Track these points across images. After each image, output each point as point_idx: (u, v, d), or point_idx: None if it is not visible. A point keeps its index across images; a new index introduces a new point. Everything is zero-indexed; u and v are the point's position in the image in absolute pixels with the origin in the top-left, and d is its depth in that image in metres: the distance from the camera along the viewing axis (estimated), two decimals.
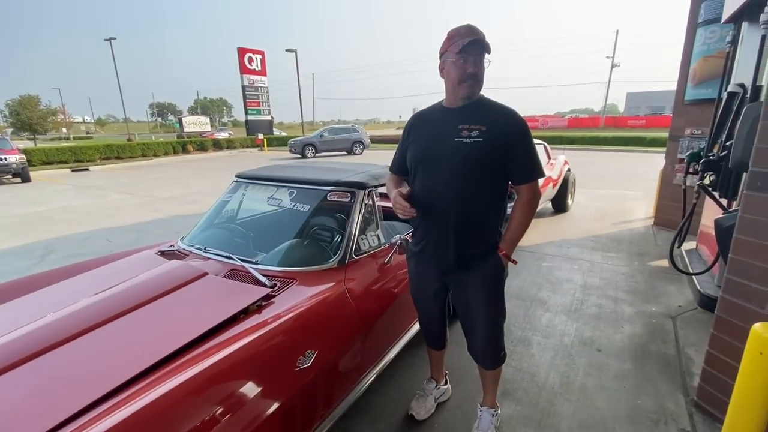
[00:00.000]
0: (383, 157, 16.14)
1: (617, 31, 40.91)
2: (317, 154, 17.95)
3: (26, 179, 11.46)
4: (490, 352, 1.67)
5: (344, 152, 18.60)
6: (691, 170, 3.22)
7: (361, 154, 18.48)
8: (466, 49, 1.36)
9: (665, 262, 3.85)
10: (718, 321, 1.84)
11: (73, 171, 14.24)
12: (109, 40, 31.28)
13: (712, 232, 3.51)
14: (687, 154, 3.37)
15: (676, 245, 2.96)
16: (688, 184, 3.19)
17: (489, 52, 1.40)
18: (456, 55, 1.38)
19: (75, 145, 17.25)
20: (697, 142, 4.45)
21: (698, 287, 3.03)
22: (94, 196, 8.88)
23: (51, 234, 5.61)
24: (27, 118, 26.35)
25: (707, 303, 2.93)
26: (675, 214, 4.86)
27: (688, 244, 3.76)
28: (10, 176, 11.41)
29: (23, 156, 11.60)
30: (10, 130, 33.22)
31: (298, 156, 17.67)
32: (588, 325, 2.75)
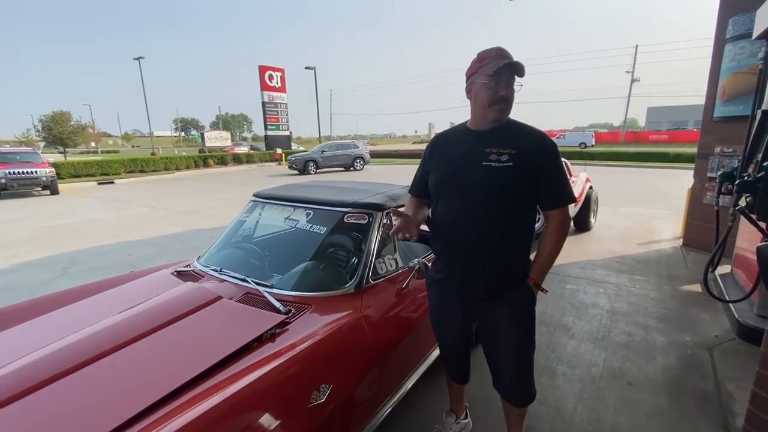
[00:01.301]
0: (382, 172, 16.22)
1: (636, 45, 40.53)
2: (318, 170, 17.59)
3: (55, 191, 11.88)
4: (521, 389, 1.57)
5: (343, 168, 18.40)
6: (723, 190, 3.07)
7: (362, 169, 18.36)
8: (500, 72, 1.31)
9: (698, 287, 3.65)
10: (764, 358, 1.69)
11: (99, 184, 14.73)
12: (138, 59, 32.73)
13: (748, 255, 3.32)
14: (719, 173, 3.23)
15: (710, 269, 2.80)
16: (720, 204, 3.04)
17: (521, 76, 1.35)
18: (488, 77, 1.33)
19: (102, 159, 17.91)
20: (729, 161, 4.27)
21: (736, 316, 2.84)
22: (117, 208, 9.12)
23: (75, 246, 5.74)
24: (58, 132, 27.55)
25: (746, 333, 2.74)
26: (705, 235, 4.64)
27: (722, 268, 3.56)
28: (40, 188, 11.86)
29: (53, 169, 12.05)
30: (42, 144, 34.76)
31: (297, 173, 17.09)
32: (617, 355, 2.59)
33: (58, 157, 23.01)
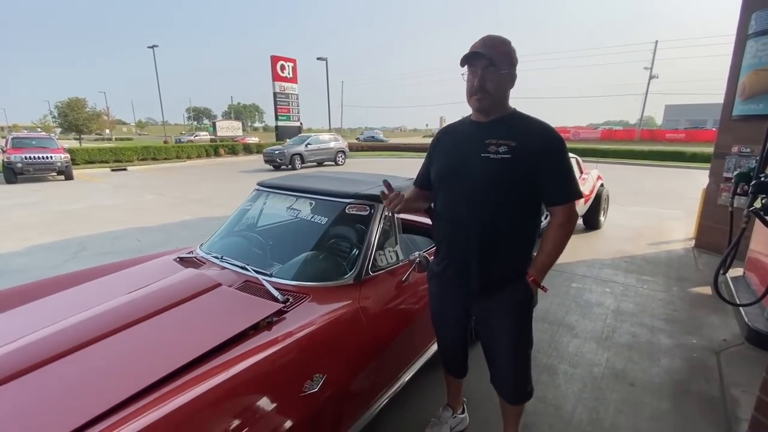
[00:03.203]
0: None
1: (656, 41, 39.45)
2: (303, 165, 15.71)
3: (69, 177, 12.10)
4: (516, 386, 1.55)
5: (317, 164, 16.54)
6: (739, 191, 2.98)
7: (343, 164, 17.21)
8: (467, 62, 1.32)
9: (708, 290, 3.57)
10: None
11: (112, 170, 14.95)
12: (152, 47, 32.95)
13: (762, 258, 3.23)
14: (735, 173, 3.12)
15: (721, 272, 2.72)
16: (735, 205, 2.95)
17: (495, 65, 1.29)
18: (464, 69, 1.34)
19: (115, 146, 18.15)
20: (746, 161, 4.15)
21: (746, 320, 2.77)
22: (129, 195, 9.26)
23: (86, 231, 5.85)
24: (74, 119, 27.97)
25: (756, 338, 2.68)
26: (718, 237, 4.53)
27: (734, 271, 3.47)
28: (55, 174, 12.09)
29: (67, 155, 12.26)
30: (58, 130, 35.33)
31: (272, 168, 15.28)
32: (620, 356, 2.55)
33: (72, 144, 23.38)
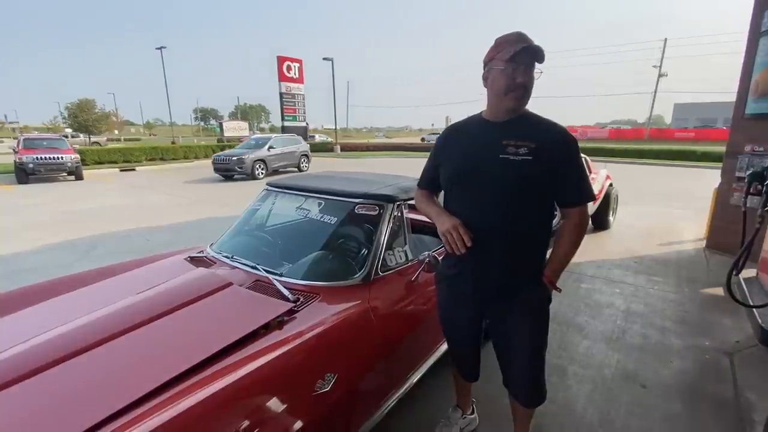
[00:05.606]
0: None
1: (665, 39, 38.93)
2: (266, 173, 12.94)
3: (79, 177, 12.29)
4: (533, 389, 1.54)
5: (275, 171, 13.53)
6: (752, 190, 2.94)
7: (307, 169, 14.85)
8: (516, 57, 1.24)
9: (720, 291, 3.52)
10: None
11: (121, 171, 15.12)
12: (160, 48, 33.24)
13: None
14: (748, 173, 3.08)
15: (734, 273, 2.69)
16: (748, 205, 2.91)
17: (541, 62, 1.28)
18: (504, 63, 1.26)
19: (124, 147, 18.35)
20: (759, 160, 4.09)
21: (759, 322, 2.73)
22: (137, 195, 9.36)
23: (96, 231, 5.92)
24: (84, 120, 28.35)
25: None
26: (730, 237, 4.46)
27: (747, 272, 3.42)
28: (66, 174, 12.26)
29: (77, 156, 12.43)
30: (69, 131, 35.82)
31: (222, 179, 12.28)
32: (631, 357, 2.52)
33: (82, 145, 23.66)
